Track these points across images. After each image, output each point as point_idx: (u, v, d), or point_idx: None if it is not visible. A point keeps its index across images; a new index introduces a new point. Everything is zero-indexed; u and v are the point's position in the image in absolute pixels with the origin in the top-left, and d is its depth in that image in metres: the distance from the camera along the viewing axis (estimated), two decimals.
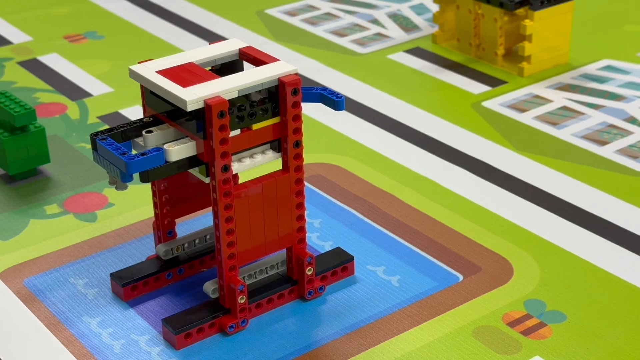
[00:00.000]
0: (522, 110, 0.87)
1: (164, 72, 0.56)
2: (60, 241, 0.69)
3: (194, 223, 0.70)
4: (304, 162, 0.59)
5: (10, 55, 1.00)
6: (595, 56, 0.97)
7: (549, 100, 0.88)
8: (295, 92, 0.56)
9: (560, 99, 0.89)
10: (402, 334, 0.59)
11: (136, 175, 0.54)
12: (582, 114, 0.86)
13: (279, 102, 0.56)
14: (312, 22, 1.08)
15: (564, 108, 0.87)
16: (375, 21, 1.07)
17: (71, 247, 0.68)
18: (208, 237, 0.64)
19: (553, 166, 0.77)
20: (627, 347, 0.58)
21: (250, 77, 0.55)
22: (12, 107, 0.73)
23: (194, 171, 0.56)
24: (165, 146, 0.54)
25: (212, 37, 1.03)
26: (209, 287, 0.60)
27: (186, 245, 0.63)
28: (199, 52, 0.59)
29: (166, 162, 0.54)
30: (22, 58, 0.99)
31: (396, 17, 1.08)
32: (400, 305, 0.62)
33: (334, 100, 0.58)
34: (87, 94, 0.90)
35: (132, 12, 1.10)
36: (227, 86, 0.54)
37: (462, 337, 0.59)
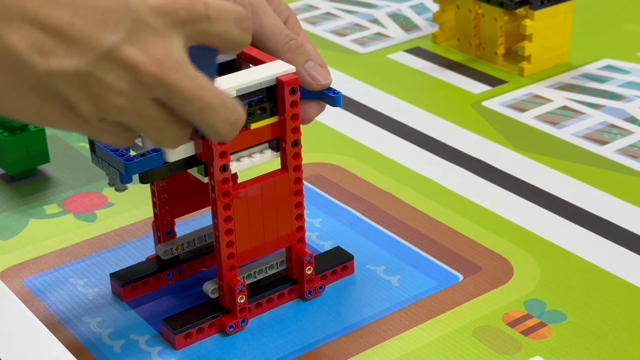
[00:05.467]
0: (522, 110, 0.87)
1: None
2: (60, 241, 0.69)
3: (194, 223, 0.70)
4: (304, 162, 0.59)
5: None
6: (595, 56, 0.97)
7: (549, 100, 0.88)
8: (293, 92, 0.56)
9: (560, 98, 0.89)
10: (402, 334, 0.59)
11: (135, 176, 0.54)
12: (582, 113, 0.86)
13: (278, 102, 0.56)
14: (312, 21, 1.08)
15: (564, 108, 0.87)
16: (375, 21, 1.07)
17: (71, 247, 0.68)
18: (207, 236, 0.64)
19: (553, 166, 0.77)
20: (627, 347, 0.58)
21: (248, 76, 0.55)
22: None
23: (193, 171, 0.56)
24: None
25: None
26: (209, 287, 0.60)
27: (186, 245, 0.63)
28: None
29: (165, 162, 0.54)
30: None
31: (396, 17, 1.08)
32: (400, 305, 0.62)
33: (330, 96, 0.58)
34: None
35: None
36: (226, 86, 0.54)
37: (462, 337, 0.59)
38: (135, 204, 0.73)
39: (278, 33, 0.57)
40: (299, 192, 0.59)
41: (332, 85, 0.58)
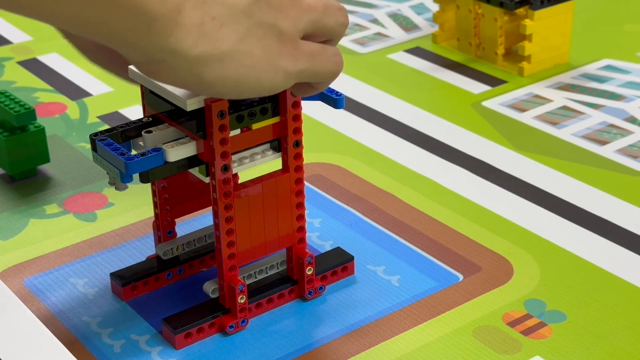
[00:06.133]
0: (522, 110, 0.87)
1: None
2: (60, 241, 0.69)
3: (194, 223, 0.70)
4: (304, 162, 0.59)
5: (10, 55, 1.00)
6: (595, 56, 0.97)
7: (549, 100, 0.88)
8: None
9: (560, 98, 0.89)
10: (402, 334, 0.59)
11: (136, 175, 0.54)
12: (582, 113, 0.86)
13: (279, 102, 0.56)
14: None
15: (564, 108, 0.87)
16: (375, 21, 1.07)
17: (71, 247, 0.68)
18: (207, 237, 0.64)
19: (553, 166, 0.77)
20: (627, 347, 0.58)
21: None
22: (12, 106, 0.73)
23: (194, 171, 0.56)
24: (164, 146, 0.54)
25: None
26: (209, 287, 0.60)
27: (186, 245, 0.63)
28: None
29: (166, 162, 0.54)
30: (22, 58, 0.99)
31: (396, 17, 1.08)
32: (400, 305, 0.62)
33: (333, 99, 0.58)
34: (87, 94, 0.90)
35: None
36: None
37: (462, 337, 0.59)
38: (135, 204, 0.73)
39: None
40: (300, 193, 0.59)
41: (333, 87, 0.58)
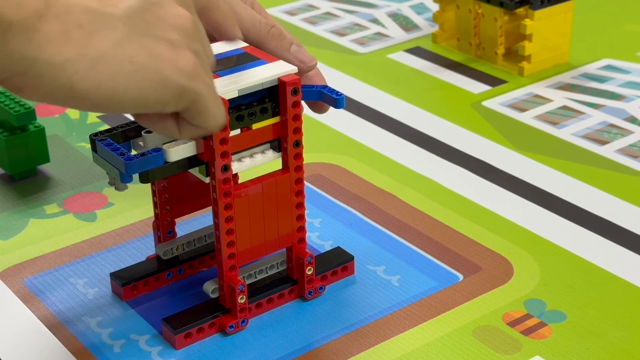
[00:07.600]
0: (522, 110, 0.87)
1: None
2: (60, 241, 0.69)
3: (194, 223, 0.70)
4: (304, 162, 0.59)
5: None
6: (595, 56, 0.97)
7: (549, 100, 0.88)
8: (295, 92, 0.56)
9: (560, 98, 0.89)
10: (402, 334, 0.59)
11: (136, 175, 0.54)
12: (582, 113, 0.86)
13: (279, 102, 0.56)
14: (312, 21, 1.08)
15: (564, 107, 0.87)
16: (375, 21, 1.07)
17: (71, 246, 0.68)
18: (207, 237, 0.64)
19: (553, 166, 0.77)
20: (627, 347, 0.58)
21: (250, 76, 0.55)
22: (11, 106, 0.73)
23: (194, 171, 0.56)
24: (164, 146, 0.54)
25: (212, 37, 1.03)
26: (209, 287, 0.60)
27: (186, 245, 0.63)
28: None
29: (166, 162, 0.54)
30: None
31: (396, 17, 1.08)
32: (400, 305, 0.62)
33: (333, 98, 0.58)
34: None
35: None
36: (227, 86, 0.54)
37: (462, 337, 0.59)
38: (135, 204, 0.73)
39: (257, 23, 0.58)
40: (300, 193, 0.59)
41: (333, 87, 0.58)
